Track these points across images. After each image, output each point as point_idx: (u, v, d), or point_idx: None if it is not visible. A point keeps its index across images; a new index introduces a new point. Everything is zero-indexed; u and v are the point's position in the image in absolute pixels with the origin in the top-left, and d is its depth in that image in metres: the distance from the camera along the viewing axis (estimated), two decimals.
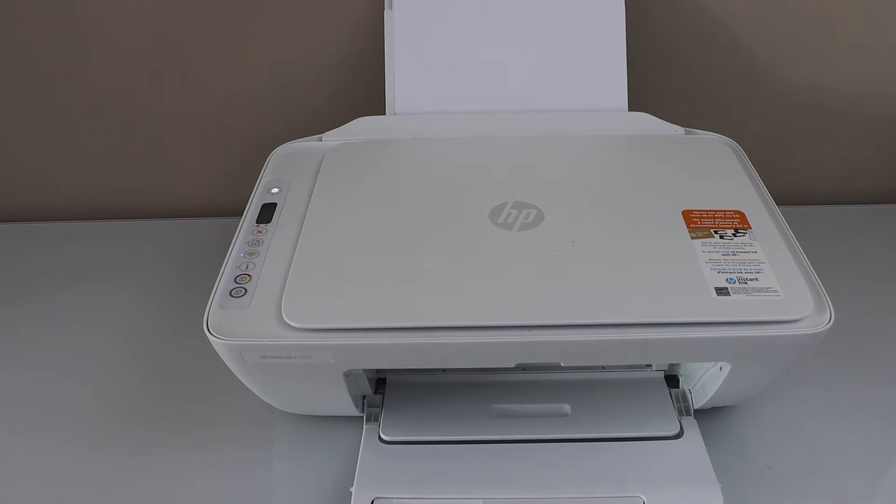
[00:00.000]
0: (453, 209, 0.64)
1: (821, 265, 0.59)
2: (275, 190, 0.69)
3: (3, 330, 0.76)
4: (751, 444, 0.64)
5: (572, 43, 0.77)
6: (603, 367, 0.66)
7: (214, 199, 0.94)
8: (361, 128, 0.76)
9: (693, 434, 0.60)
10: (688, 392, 0.64)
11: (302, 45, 0.85)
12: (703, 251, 0.59)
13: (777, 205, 0.65)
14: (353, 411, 0.62)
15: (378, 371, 0.65)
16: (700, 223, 0.61)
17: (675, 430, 0.61)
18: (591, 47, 0.77)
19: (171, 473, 0.62)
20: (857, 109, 0.90)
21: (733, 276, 0.56)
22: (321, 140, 0.76)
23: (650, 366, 0.66)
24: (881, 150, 0.93)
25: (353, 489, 0.57)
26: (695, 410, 0.63)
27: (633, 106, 0.77)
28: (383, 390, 0.65)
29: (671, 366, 0.65)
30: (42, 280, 0.83)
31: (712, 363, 0.60)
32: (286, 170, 0.72)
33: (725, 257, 0.58)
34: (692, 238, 0.60)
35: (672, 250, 0.59)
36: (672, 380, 0.65)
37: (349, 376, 0.58)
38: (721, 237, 0.60)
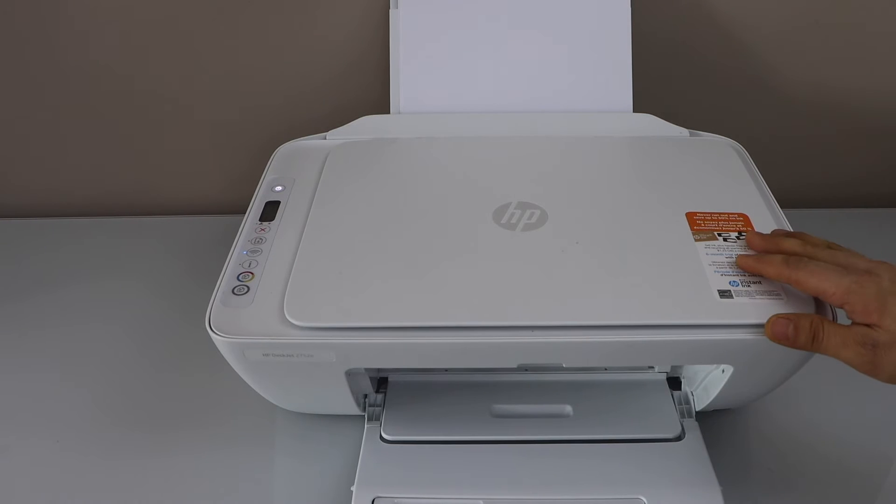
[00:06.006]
0: (457, 209, 0.63)
1: None
2: (278, 188, 0.69)
3: (12, 324, 0.77)
4: (752, 446, 0.64)
5: (578, 44, 0.77)
6: (605, 369, 0.66)
7: (221, 196, 0.94)
8: (365, 126, 0.76)
9: (694, 436, 0.60)
10: (690, 394, 0.64)
11: (307, 43, 0.85)
12: (707, 253, 0.58)
13: (781, 207, 0.65)
14: (354, 410, 0.62)
15: (380, 370, 0.65)
16: (704, 225, 0.61)
17: (677, 432, 0.61)
18: (596, 48, 0.77)
19: (172, 471, 0.62)
20: (861, 113, 0.90)
21: (736, 278, 0.56)
22: (325, 138, 0.76)
23: (652, 367, 0.66)
24: (885, 153, 0.93)
25: (353, 488, 0.57)
26: (696, 413, 0.63)
27: (638, 107, 0.77)
28: (385, 389, 0.65)
29: (673, 368, 0.65)
30: (50, 275, 0.83)
31: (714, 365, 0.60)
32: (290, 168, 0.72)
33: (729, 260, 0.58)
34: (696, 240, 0.60)
35: (675, 252, 0.59)
36: (674, 382, 0.65)
37: (351, 375, 0.58)
38: (725, 239, 0.60)
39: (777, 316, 0.52)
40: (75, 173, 0.93)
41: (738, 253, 0.58)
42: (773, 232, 0.60)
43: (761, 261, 0.56)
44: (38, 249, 0.87)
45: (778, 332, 0.52)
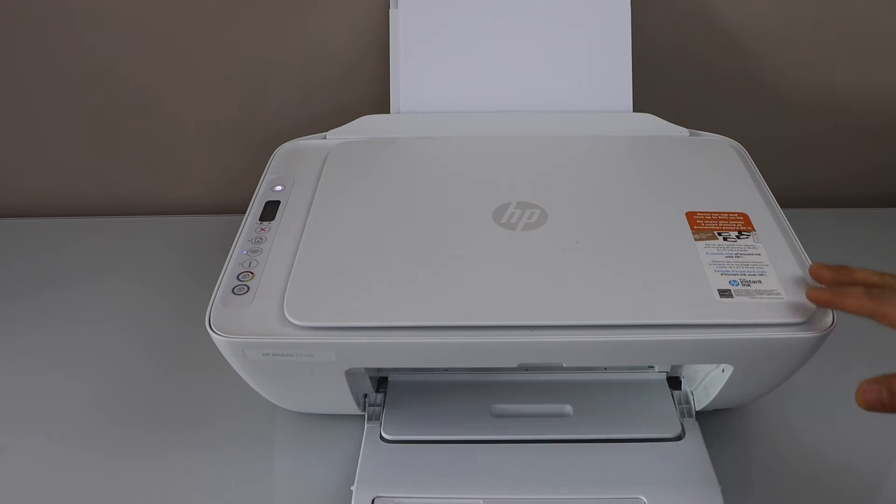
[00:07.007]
0: (456, 208, 0.63)
1: None
2: (278, 188, 0.69)
3: (12, 324, 0.77)
4: (752, 446, 0.64)
5: (578, 43, 0.77)
6: (605, 368, 0.66)
7: (221, 196, 0.94)
8: (365, 126, 0.76)
9: (694, 436, 0.60)
10: (690, 394, 0.64)
11: (307, 43, 0.85)
12: (707, 253, 0.58)
13: (781, 207, 0.65)
14: (354, 410, 0.62)
15: (380, 370, 0.65)
16: (704, 225, 0.61)
17: (677, 432, 0.61)
18: (596, 48, 0.77)
19: (173, 471, 0.62)
20: (861, 112, 0.90)
21: (736, 278, 0.56)
22: (325, 138, 0.76)
23: (652, 367, 0.66)
24: (886, 153, 0.93)
25: (353, 488, 0.57)
26: (696, 412, 0.63)
27: (637, 107, 0.77)
28: (385, 389, 0.65)
29: (673, 367, 0.65)
30: (50, 275, 0.83)
31: (714, 365, 0.60)
32: (289, 167, 0.72)
33: (729, 259, 0.58)
34: (696, 240, 0.60)
35: (675, 252, 0.59)
36: (674, 381, 0.65)
37: (351, 375, 0.58)
38: (725, 239, 0.60)
39: (866, 383, 0.47)
40: (75, 173, 0.93)
41: (738, 252, 0.58)
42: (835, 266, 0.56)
43: (839, 294, 0.52)
44: (38, 249, 0.87)
45: (871, 400, 0.47)
